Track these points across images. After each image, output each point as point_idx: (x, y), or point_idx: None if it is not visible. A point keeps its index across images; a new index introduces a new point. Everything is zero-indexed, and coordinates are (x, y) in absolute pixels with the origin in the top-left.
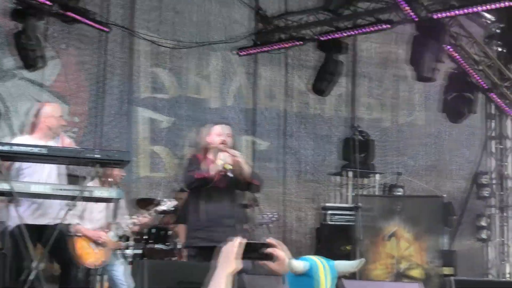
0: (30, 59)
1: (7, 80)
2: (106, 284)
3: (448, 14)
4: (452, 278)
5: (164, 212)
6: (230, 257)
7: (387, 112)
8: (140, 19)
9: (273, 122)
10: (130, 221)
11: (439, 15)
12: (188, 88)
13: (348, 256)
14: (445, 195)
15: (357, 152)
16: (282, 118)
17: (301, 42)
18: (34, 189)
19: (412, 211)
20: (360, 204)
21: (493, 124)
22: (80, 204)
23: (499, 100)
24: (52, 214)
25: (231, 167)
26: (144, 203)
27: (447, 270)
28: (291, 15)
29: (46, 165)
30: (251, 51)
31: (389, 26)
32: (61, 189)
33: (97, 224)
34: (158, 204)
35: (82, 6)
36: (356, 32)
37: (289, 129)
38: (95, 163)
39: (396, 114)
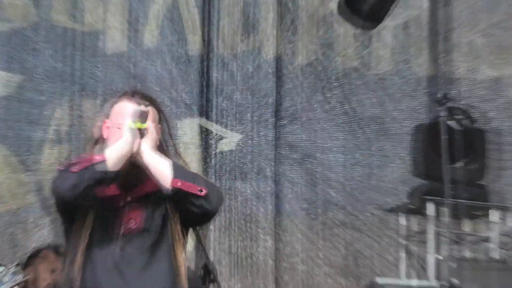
0: None
1: None
2: None
3: None
4: None
5: None
6: None
7: None
8: None
9: (251, 89)
10: None
11: None
12: (54, 12)
13: None
14: None
15: (447, 157)
16: (271, 79)
17: None
18: None
19: None
20: (456, 282)
21: None
22: None
23: None
24: None
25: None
26: None
27: None
28: None
29: None
30: None
31: None
32: None
33: None
34: None
35: None
36: None
37: (287, 104)
38: None
39: None
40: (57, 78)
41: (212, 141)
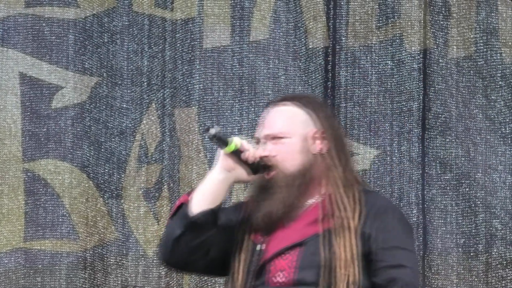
0: None
1: None
2: None
3: None
4: None
5: None
6: None
7: None
8: None
9: (391, 91)
10: None
11: None
12: None
13: None
14: None
15: None
16: (416, 78)
17: None
18: None
19: None
20: None
21: None
22: None
23: None
24: None
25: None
26: None
27: None
28: None
29: None
30: None
31: None
32: None
33: None
34: None
35: None
36: None
37: (438, 110)
38: None
39: None
40: (143, 80)
41: None
